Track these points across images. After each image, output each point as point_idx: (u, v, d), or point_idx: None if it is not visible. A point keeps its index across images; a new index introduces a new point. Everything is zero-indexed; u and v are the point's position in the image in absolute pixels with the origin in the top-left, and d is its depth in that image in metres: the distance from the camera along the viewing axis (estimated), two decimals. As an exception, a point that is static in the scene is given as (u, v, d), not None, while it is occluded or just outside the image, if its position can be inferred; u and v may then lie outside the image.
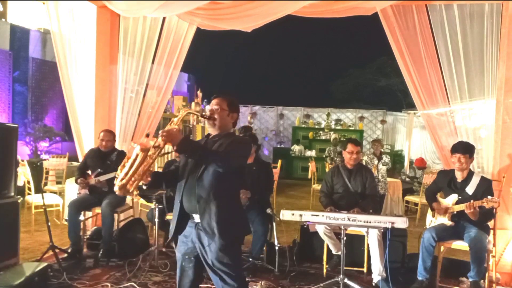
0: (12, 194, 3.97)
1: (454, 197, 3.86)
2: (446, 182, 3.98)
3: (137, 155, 2.27)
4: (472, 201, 3.63)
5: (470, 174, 3.88)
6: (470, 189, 3.80)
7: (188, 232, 2.50)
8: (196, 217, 2.43)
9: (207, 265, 2.42)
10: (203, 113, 2.52)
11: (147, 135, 2.36)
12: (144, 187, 2.40)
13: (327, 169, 7.84)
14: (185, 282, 2.51)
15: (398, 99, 19.34)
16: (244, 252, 4.24)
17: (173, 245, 4.67)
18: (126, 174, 2.27)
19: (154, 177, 2.39)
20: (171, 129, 2.25)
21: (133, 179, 2.27)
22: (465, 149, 3.83)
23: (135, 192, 2.34)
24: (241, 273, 2.53)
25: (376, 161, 6.60)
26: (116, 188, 2.29)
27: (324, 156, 10.37)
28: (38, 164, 6.20)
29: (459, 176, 3.90)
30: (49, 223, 4.13)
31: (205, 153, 2.34)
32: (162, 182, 2.60)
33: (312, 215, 3.66)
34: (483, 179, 3.85)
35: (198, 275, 2.54)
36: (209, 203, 2.38)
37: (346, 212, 3.83)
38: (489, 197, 3.58)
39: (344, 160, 4.42)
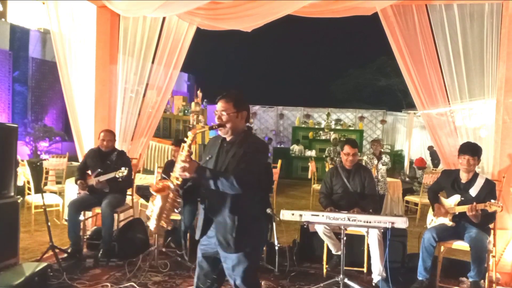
0: (12, 194, 3.97)
1: (456, 197, 3.84)
2: (449, 182, 3.96)
3: (160, 199, 2.33)
4: (474, 203, 3.61)
5: (475, 175, 3.85)
6: (473, 191, 3.78)
7: (212, 233, 2.47)
8: None
9: (226, 268, 2.42)
10: (212, 125, 2.44)
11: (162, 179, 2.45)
12: (177, 211, 2.43)
13: (327, 169, 7.84)
14: (203, 283, 2.50)
15: (398, 99, 19.37)
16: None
17: (173, 245, 4.68)
18: (157, 216, 2.34)
19: (187, 195, 2.43)
20: (186, 165, 2.25)
21: (163, 217, 2.35)
22: (474, 151, 3.79)
23: (170, 224, 2.40)
24: (256, 279, 2.53)
25: (375, 161, 6.59)
26: (152, 227, 2.36)
27: (324, 156, 10.37)
28: (38, 164, 6.18)
29: (464, 177, 3.88)
30: (49, 223, 4.13)
31: (221, 184, 2.28)
32: (196, 197, 2.60)
33: (312, 215, 3.65)
34: (487, 181, 3.82)
35: (219, 277, 2.53)
36: (225, 215, 2.37)
37: (346, 212, 3.83)
38: (492, 200, 3.56)
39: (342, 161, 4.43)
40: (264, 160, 2.49)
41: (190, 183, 2.47)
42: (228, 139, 2.45)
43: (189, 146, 2.34)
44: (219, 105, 2.40)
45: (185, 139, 2.36)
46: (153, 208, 2.36)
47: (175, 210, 2.39)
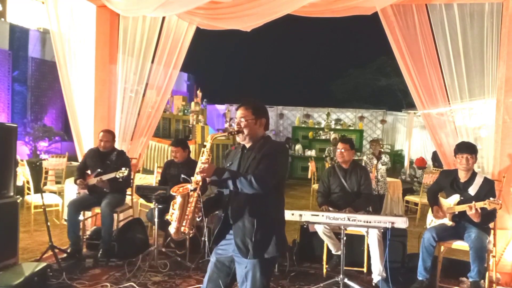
0: (12, 194, 3.96)
1: (456, 197, 3.84)
2: (448, 182, 3.96)
3: (180, 201, 2.32)
4: (473, 202, 3.61)
5: (473, 174, 3.86)
6: (472, 190, 3.78)
7: (230, 238, 2.44)
8: None
9: (240, 273, 2.39)
10: (230, 131, 2.46)
11: (185, 180, 2.43)
12: (198, 219, 2.41)
13: (326, 169, 7.82)
14: (212, 286, 2.47)
15: (398, 99, 19.37)
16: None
17: (173, 245, 4.67)
18: (177, 219, 2.33)
19: (208, 204, 2.43)
20: (205, 167, 2.28)
21: (184, 222, 2.32)
22: (472, 149, 3.81)
23: (191, 232, 2.36)
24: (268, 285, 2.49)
25: (375, 161, 6.59)
26: (172, 232, 2.34)
27: (324, 156, 10.36)
28: (38, 164, 6.18)
29: (462, 176, 3.88)
30: (49, 223, 4.12)
31: (240, 184, 2.27)
32: (217, 206, 2.60)
33: (312, 215, 3.65)
34: (486, 180, 3.83)
35: (229, 281, 2.49)
36: (244, 219, 2.35)
37: (341, 211, 3.84)
38: (491, 198, 3.56)
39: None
40: (283, 161, 2.50)
41: (212, 195, 2.49)
42: (247, 146, 2.48)
43: (209, 150, 2.36)
44: (239, 112, 2.45)
45: (205, 143, 2.40)
46: (173, 212, 2.34)
47: (197, 216, 2.36)
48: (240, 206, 2.36)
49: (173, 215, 2.34)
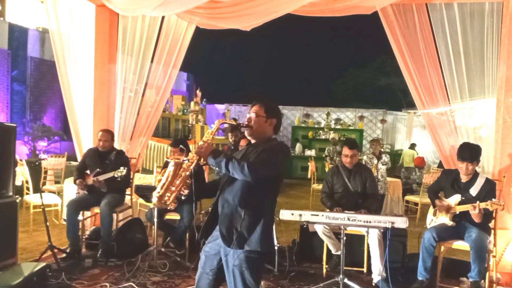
0: (11, 193, 3.96)
1: (457, 197, 3.83)
2: (449, 182, 3.94)
3: (171, 170, 2.34)
4: (478, 202, 3.58)
5: (475, 175, 3.83)
6: (474, 191, 3.76)
7: (217, 232, 2.43)
8: None
9: (227, 269, 2.37)
10: (240, 123, 2.50)
11: (182, 150, 2.47)
12: (183, 198, 2.42)
13: (326, 169, 7.83)
14: (203, 284, 2.47)
15: (398, 99, 19.38)
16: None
17: (172, 245, 4.66)
18: (162, 186, 2.34)
19: (200, 188, 2.47)
20: (203, 144, 2.32)
21: (169, 192, 2.33)
22: (472, 156, 3.73)
23: (173, 204, 2.35)
24: (257, 285, 2.44)
25: (375, 161, 6.58)
26: (154, 200, 2.34)
27: (323, 155, 10.36)
28: (37, 163, 6.18)
29: (464, 176, 3.85)
30: (48, 223, 4.11)
31: (232, 167, 2.27)
32: (210, 193, 2.63)
33: (312, 215, 3.64)
34: (487, 181, 3.81)
35: (218, 279, 2.48)
36: (232, 209, 2.35)
37: (352, 212, 3.82)
38: (493, 199, 3.55)
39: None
40: (282, 159, 2.49)
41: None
42: (253, 141, 2.52)
43: (212, 133, 2.42)
44: (252, 108, 2.51)
45: (212, 125, 2.42)
46: (161, 178, 2.36)
47: (182, 194, 2.37)
48: (232, 196, 2.37)
49: (160, 181, 2.36)
